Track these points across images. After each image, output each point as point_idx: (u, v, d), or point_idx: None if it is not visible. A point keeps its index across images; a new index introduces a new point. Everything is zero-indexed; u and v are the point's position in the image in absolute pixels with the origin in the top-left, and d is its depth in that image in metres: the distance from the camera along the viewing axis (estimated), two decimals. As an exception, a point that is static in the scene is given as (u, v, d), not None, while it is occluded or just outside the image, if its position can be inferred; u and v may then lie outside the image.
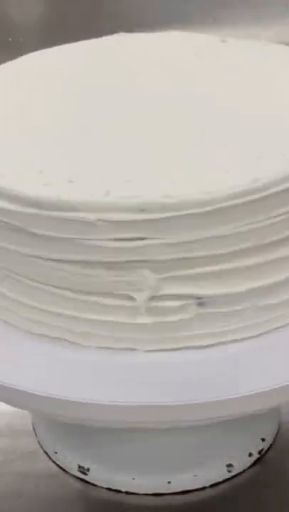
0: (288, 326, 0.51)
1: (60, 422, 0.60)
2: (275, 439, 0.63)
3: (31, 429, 0.64)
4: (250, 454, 0.61)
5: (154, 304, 0.48)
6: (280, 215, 0.47)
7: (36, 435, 0.64)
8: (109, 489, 0.60)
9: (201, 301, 0.48)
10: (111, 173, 0.48)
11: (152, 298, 0.47)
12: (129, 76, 0.58)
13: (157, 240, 0.46)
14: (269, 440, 0.62)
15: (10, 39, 0.98)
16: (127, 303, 0.48)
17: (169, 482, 0.59)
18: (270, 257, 0.48)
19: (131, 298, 0.48)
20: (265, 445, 0.62)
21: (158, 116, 0.53)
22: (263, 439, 0.62)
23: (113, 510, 0.59)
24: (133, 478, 0.59)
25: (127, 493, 0.59)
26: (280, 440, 0.63)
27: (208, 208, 0.45)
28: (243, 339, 0.50)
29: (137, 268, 0.47)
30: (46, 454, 0.63)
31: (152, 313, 0.48)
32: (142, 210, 0.45)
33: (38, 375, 0.48)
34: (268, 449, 0.62)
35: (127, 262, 0.47)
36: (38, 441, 0.63)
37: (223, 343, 0.50)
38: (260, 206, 0.46)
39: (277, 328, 0.51)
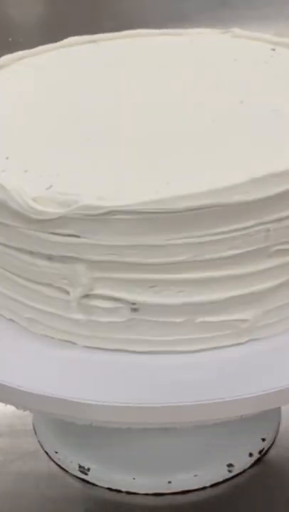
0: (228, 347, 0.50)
1: (61, 422, 0.60)
2: (275, 439, 0.63)
3: (31, 429, 0.64)
4: (251, 454, 0.61)
5: (86, 302, 0.49)
6: (218, 233, 0.46)
7: (36, 435, 0.64)
8: (110, 489, 0.60)
9: (134, 307, 0.48)
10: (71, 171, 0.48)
11: (86, 296, 0.48)
12: (132, 76, 0.59)
13: (90, 239, 0.46)
14: (269, 440, 0.63)
15: (10, 39, 0.98)
16: (64, 296, 0.49)
17: (170, 482, 0.59)
18: (207, 275, 0.48)
19: (67, 292, 0.49)
20: (265, 445, 0.62)
21: (153, 120, 0.53)
22: (263, 439, 0.62)
23: (113, 510, 0.59)
24: (133, 478, 0.59)
25: (127, 493, 0.59)
26: (280, 440, 0.63)
27: (135, 216, 0.45)
28: (180, 352, 0.50)
29: (73, 264, 0.48)
30: (46, 454, 0.63)
31: (84, 310, 0.49)
32: (76, 208, 0.46)
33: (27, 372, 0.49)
34: (268, 449, 0.62)
35: (64, 256, 0.47)
36: (39, 441, 0.63)
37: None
38: (196, 221, 0.46)
39: (217, 347, 0.50)
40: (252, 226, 0.47)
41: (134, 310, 0.48)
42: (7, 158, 0.50)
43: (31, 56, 0.64)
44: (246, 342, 0.50)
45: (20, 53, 0.64)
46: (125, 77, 0.59)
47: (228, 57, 0.62)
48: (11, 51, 0.64)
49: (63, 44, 0.65)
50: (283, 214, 0.47)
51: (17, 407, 0.50)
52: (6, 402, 0.50)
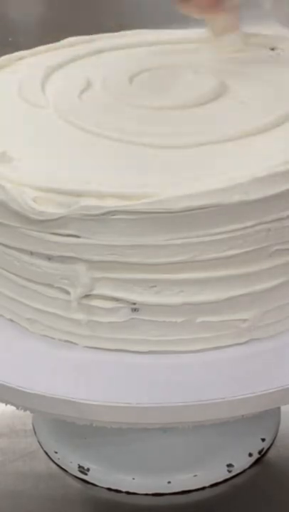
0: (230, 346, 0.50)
1: (60, 422, 0.60)
2: (275, 439, 0.63)
3: (31, 429, 0.64)
4: (250, 454, 0.61)
5: (86, 302, 0.49)
6: (218, 233, 0.46)
7: (36, 435, 0.64)
8: (109, 489, 0.60)
9: (135, 307, 0.48)
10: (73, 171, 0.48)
11: (86, 296, 0.48)
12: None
13: (90, 239, 0.47)
14: (269, 440, 0.63)
15: (10, 39, 0.99)
16: (64, 296, 0.49)
17: (169, 482, 0.59)
18: (207, 275, 0.48)
19: (67, 292, 0.49)
20: (265, 445, 0.62)
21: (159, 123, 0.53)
22: (263, 439, 0.62)
23: (113, 510, 0.59)
24: (133, 478, 0.59)
25: (127, 493, 0.59)
26: (280, 440, 0.63)
27: (136, 216, 0.46)
28: (180, 352, 0.50)
29: (73, 264, 0.48)
30: (46, 454, 0.63)
31: (85, 311, 0.49)
32: (76, 208, 0.46)
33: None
34: (268, 449, 0.62)
35: (64, 257, 0.48)
36: (38, 441, 0.63)
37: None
38: (196, 221, 0.46)
39: (218, 347, 0.50)
40: (252, 226, 0.47)
41: (135, 310, 0.48)
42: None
43: (31, 56, 0.64)
44: (246, 342, 0.50)
45: (20, 53, 0.64)
46: (125, 76, 0.59)
47: (227, 57, 0.62)
48: (11, 51, 0.64)
49: (63, 44, 0.65)
50: (283, 214, 0.47)
51: (17, 408, 0.50)
52: (6, 402, 0.50)
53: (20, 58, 0.63)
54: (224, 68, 0.60)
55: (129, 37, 0.66)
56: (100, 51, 0.64)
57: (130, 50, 0.64)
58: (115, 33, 0.66)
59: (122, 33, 0.67)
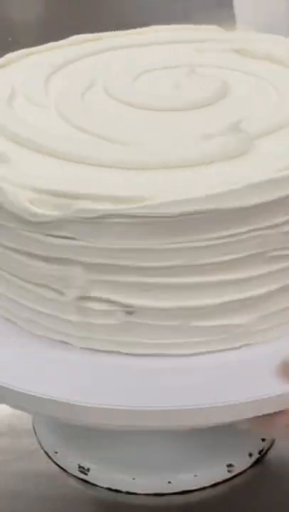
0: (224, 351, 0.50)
1: (61, 422, 0.60)
2: (275, 439, 0.63)
3: (31, 429, 0.64)
4: (250, 454, 0.61)
5: (82, 303, 0.49)
6: (214, 238, 0.46)
7: (36, 435, 0.64)
8: (110, 489, 0.60)
9: (129, 310, 0.48)
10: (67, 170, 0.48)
11: (81, 298, 0.48)
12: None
13: (86, 242, 0.47)
14: (269, 440, 0.62)
15: (10, 39, 0.99)
16: (60, 298, 0.49)
17: (169, 482, 0.59)
18: (202, 280, 0.48)
19: (63, 293, 0.49)
20: (265, 445, 0.62)
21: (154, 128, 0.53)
22: (263, 439, 0.62)
23: (113, 510, 0.59)
24: (133, 478, 0.59)
25: (127, 493, 0.59)
26: (279, 440, 0.63)
27: (131, 220, 0.46)
28: (175, 355, 0.50)
29: (69, 266, 0.48)
30: (46, 454, 0.63)
31: (80, 312, 0.49)
32: (73, 211, 0.46)
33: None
34: (268, 449, 0.62)
35: (60, 258, 0.48)
36: (38, 441, 0.63)
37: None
38: (192, 226, 0.46)
39: (212, 351, 0.50)
40: (248, 232, 0.46)
41: (129, 313, 0.48)
42: None
43: (35, 54, 0.64)
44: (241, 347, 0.50)
45: (23, 51, 0.63)
46: (128, 77, 0.59)
47: (230, 57, 0.62)
48: (11, 51, 0.64)
49: (68, 42, 0.65)
50: (280, 220, 0.47)
51: (13, 408, 0.50)
52: (2, 402, 0.50)
53: (24, 56, 0.63)
54: (227, 69, 0.60)
55: (132, 36, 0.66)
56: (103, 50, 0.64)
57: (133, 50, 0.64)
58: (120, 32, 0.66)
59: (126, 31, 0.67)
